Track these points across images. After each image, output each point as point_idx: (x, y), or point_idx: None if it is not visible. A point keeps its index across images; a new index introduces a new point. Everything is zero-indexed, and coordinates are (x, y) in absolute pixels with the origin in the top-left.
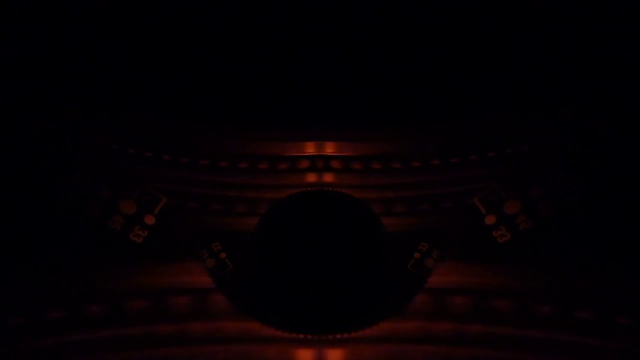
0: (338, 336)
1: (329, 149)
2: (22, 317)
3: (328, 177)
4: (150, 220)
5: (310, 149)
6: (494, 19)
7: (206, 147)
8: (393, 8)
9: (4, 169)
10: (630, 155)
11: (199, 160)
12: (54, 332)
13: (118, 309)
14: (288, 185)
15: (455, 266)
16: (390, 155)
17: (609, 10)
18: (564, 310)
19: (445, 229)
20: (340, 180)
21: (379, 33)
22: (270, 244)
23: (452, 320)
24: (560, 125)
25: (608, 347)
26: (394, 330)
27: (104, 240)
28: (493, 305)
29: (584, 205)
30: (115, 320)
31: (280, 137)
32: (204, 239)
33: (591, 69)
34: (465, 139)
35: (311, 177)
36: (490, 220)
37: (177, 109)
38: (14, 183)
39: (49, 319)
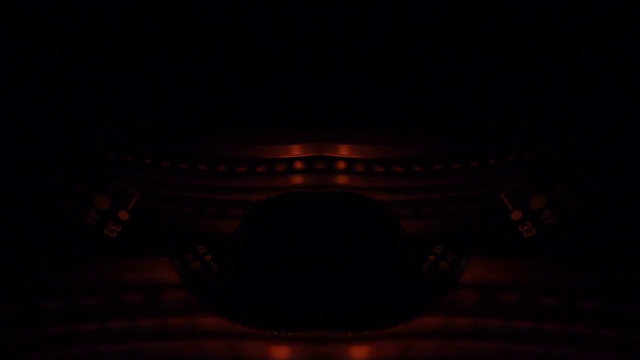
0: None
1: (333, 151)
2: None
3: (334, 179)
4: (124, 215)
5: (315, 150)
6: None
7: (202, 151)
8: (405, 8)
9: None
10: None
11: (198, 165)
12: (31, 325)
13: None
14: (286, 187)
15: (481, 261)
16: (407, 159)
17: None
18: (571, 303)
19: (469, 228)
20: (355, 182)
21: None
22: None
23: (475, 315)
24: (584, 125)
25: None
26: (418, 326)
27: (79, 235)
28: (516, 299)
29: (609, 200)
30: (88, 314)
31: (286, 139)
32: (182, 238)
33: (610, 69)
34: (484, 143)
35: (312, 179)
36: (516, 215)
37: (171, 112)
38: None
39: (26, 312)
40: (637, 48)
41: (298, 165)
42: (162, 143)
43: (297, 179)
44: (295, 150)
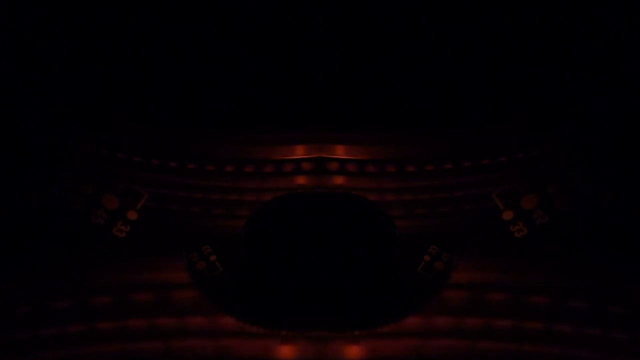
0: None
1: (334, 152)
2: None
3: (333, 180)
4: (132, 215)
5: (316, 151)
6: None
7: (211, 152)
8: (398, 12)
9: None
10: None
11: (205, 166)
12: (40, 326)
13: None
14: (289, 188)
15: (474, 261)
16: (402, 160)
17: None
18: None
19: (462, 228)
20: (352, 183)
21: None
22: (262, 245)
23: (468, 315)
24: (575, 125)
25: (625, 340)
26: (412, 325)
27: (88, 234)
28: (506, 298)
29: (599, 200)
30: (97, 314)
31: (283, 140)
32: (189, 238)
33: (600, 70)
34: (476, 144)
35: (314, 180)
36: (507, 215)
37: (181, 114)
38: None
39: (36, 312)
40: (633, 51)
41: (302, 166)
42: (169, 144)
43: (300, 180)
44: (299, 152)
